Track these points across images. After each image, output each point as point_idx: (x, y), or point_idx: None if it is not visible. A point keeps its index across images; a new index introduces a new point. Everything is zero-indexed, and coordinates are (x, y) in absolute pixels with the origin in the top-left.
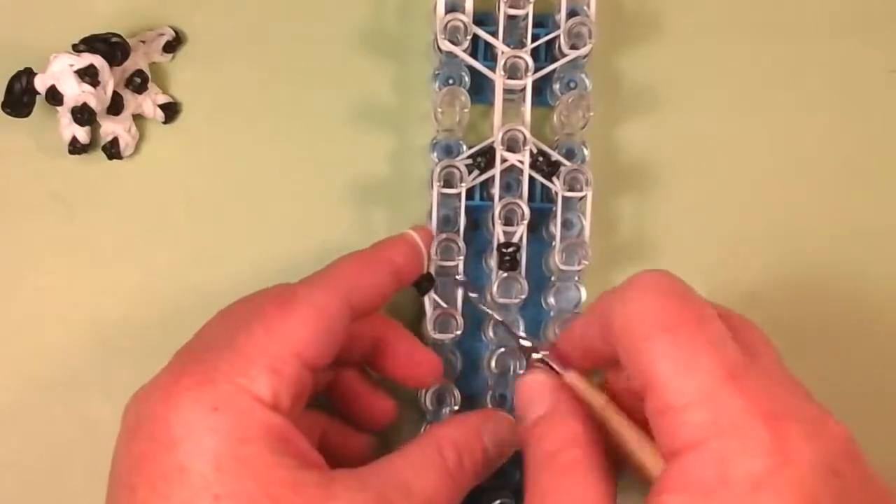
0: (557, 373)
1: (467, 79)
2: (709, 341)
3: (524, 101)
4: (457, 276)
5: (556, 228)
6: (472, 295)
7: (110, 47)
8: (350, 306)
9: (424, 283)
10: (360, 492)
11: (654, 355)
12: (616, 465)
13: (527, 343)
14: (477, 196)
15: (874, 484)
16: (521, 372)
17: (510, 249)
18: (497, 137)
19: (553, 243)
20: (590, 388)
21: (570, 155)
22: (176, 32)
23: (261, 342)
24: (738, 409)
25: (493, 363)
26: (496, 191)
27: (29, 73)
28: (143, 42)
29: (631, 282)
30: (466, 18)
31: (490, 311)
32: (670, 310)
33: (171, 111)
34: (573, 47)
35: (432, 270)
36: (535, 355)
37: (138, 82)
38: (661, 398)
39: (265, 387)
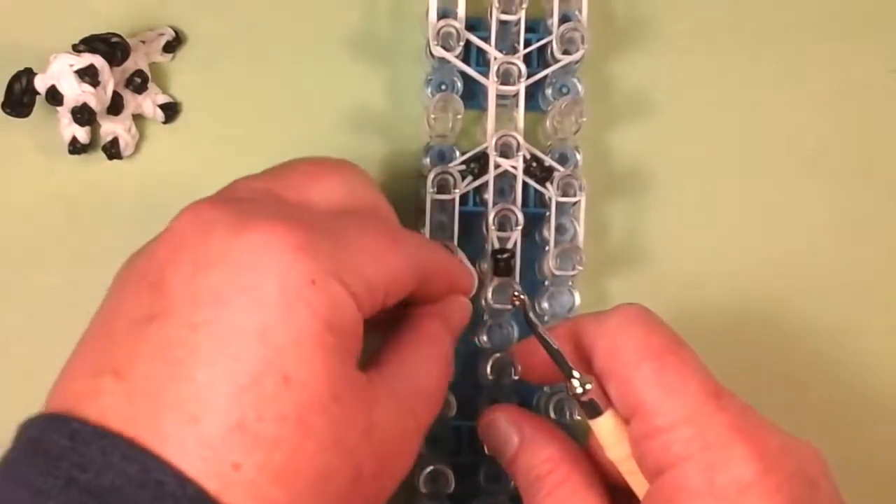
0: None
1: (460, 84)
2: (690, 367)
3: (517, 106)
4: (515, 293)
5: (550, 233)
6: (532, 318)
7: (110, 47)
8: (420, 284)
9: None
10: (391, 397)
11: (642, 382)
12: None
13: (576, 374)
14: (470, 202)
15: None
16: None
17: (504, 255)
18: (490, 143)
19: (547, 248)
20: (619, 431)
21: (563, 160)
22: (176, 32)
23: (369, 258)
24: (722, 425)
25: (488, 367)
26: (490, 196)
27: (29, 73)
28: (143, 42)
29: (613, 314)
30: (459, 24)
31: (547, 338)
32: (653, 340)
33: (171, 111)
34: (565, 53)
35: None
36: (581, 387)
37: (138, 82)
38: (648, 421)
39: (359, 290)
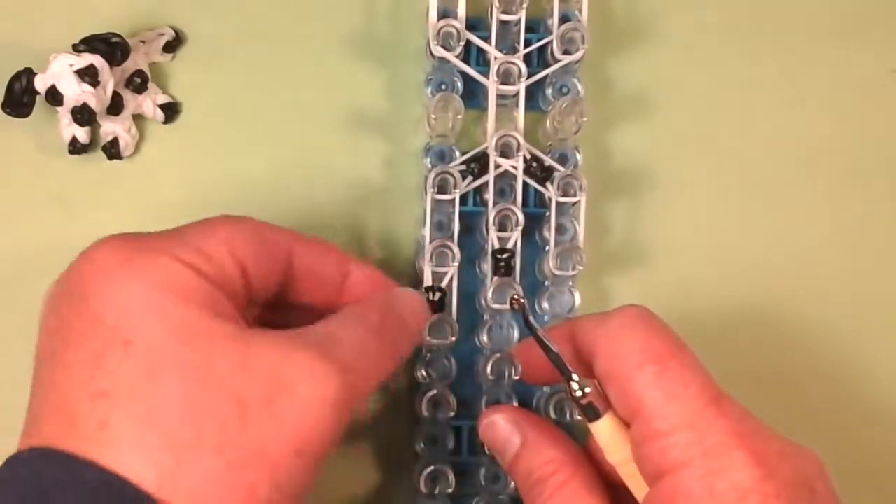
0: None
1: (460, 84)
2: (691, 371)
3: (517, 106)
4: (514, 296)
5: (550, 233)
6: (532, 320)
7: (110, 47)
8: (287, 257)
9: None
10: (285, 339)
11: (643, 385)
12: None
13: (575, 377)
14: (470, 202)
15: None
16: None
17: (504, 255)
18: (490, 143)
19: (547, 248)
20: (618, 434)
21: (563, 160)
22: (176, 32)
23: (199, 235)
24: (721, 430)
25: (488, 368)
26: (490, 196)
27: (29, 73)
28: (143, 42)
29: (614, 316)
30: (459, 24)
31: (546, 340)
32: (655, 343)
33: (171, 111)
34: (566, 52)
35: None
36: (580, 390)
37: (138, 82)
38: (649, 425)
39: (191, 256)
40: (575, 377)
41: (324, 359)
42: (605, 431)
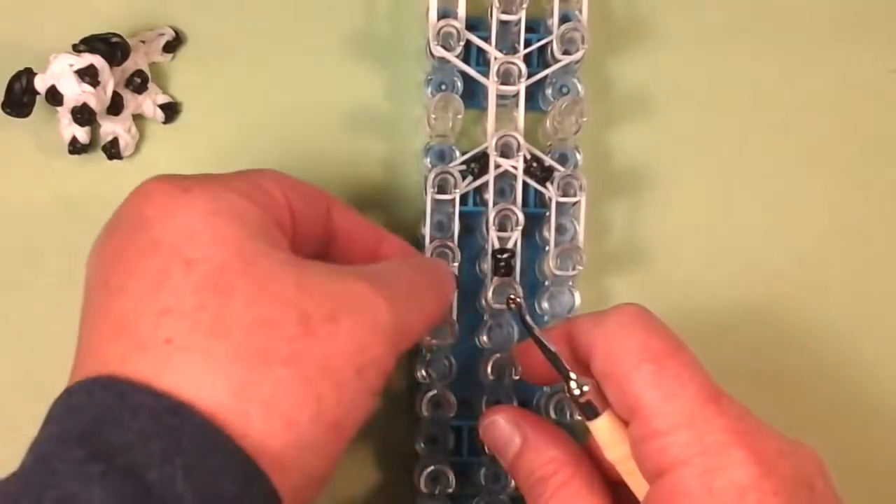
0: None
1: (460, 84)
2: (689, 369)
3: (517, 106)
4: (511, 296)
5: (550, 233)
6: (529, 320)
7: (110, 47)
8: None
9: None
10: (339, 270)
11: (641, 384)
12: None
13: (573, 376)
14: (471, 202)
15: None
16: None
17: (504, 255)
18: (490, 143)
19: (547, 248)
20: (617, 432)
21: (563, 160)
22: (176, 32)
23: (247, 173)
24: (720, 429)
25: (488, 368)
26: (490, 196)
27: (29, 73)
28: (143, 42)
29: (612, 315)
30: (459, 24)
31: (543, 340)
32: (653, 342)
33: (171, 111)
34: (566, 52)
35: None
36: (578, 389)
37: (138, 82)
38: (647, 424)
39: (247, 188)
40: (573, 376)
41: (378, 292)
42: (603, 429)
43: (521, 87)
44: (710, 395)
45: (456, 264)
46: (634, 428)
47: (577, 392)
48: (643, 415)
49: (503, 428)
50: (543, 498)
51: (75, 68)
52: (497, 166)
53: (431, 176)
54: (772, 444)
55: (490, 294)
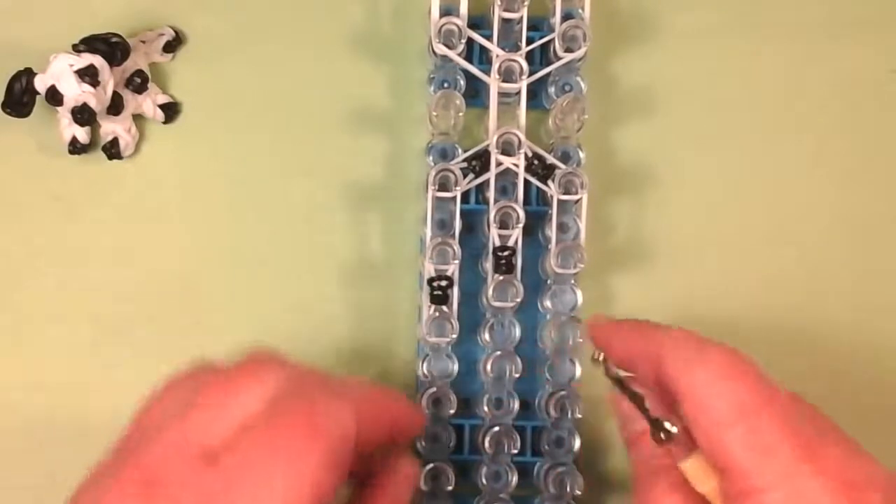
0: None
1: (462, 82)
2: (784, 424)
3: (519, 104)
4: (595, 355)
5: (552, 232)
6: (614, 370)
7: (110, 47)
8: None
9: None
10: None
11: (733, 442)
12: None
13: (665, 424)
14: (472, 199)
15: None
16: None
17: (506, 253)
18: (492, 141)
19: (549, 246)
20: (704, 475)
21: (565, 158)
22: (176, 32)
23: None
24: (818, 489)
25: (489, 367)
26: (491, 194)
27: (29, 73)
28: (143, 42)
29: (702, 365)
30: (461, 22)
31: (631, 388)
32: (745, 398)
33: (171, 111)
34: (568, 50)
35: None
36: (665, 435)
37: (138, 82)
38: (743, 481)
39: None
40: (665, 425)
41: None
42: (693, 468)
43: (523, 85)
44: (806, 450)
45: (456, 262)
46: (729, 483)
47: (663, 438)
48: (735, 472)
49: (629, 407)
50: (659, 489)
51: (75, 68)
52: (498, 164)
53: (433, 173)
54: (874, 497)
55: (491, 292)
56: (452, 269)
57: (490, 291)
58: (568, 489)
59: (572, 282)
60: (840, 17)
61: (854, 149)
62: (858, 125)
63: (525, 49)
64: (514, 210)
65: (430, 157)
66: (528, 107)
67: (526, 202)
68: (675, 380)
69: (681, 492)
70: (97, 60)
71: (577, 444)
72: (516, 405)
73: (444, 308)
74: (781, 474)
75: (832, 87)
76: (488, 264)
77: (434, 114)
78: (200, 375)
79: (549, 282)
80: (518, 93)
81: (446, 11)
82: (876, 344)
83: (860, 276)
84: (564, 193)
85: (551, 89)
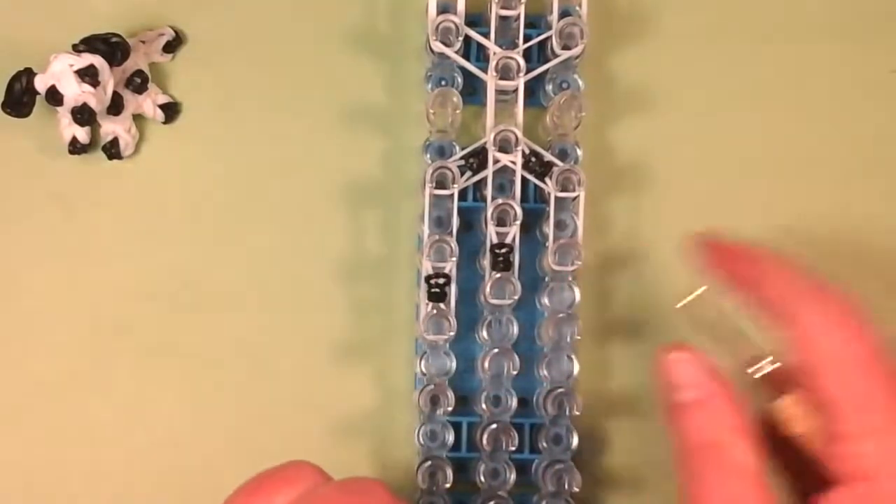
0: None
1: (459, 80)
2: (889, 381)
3: (516, 101)
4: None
5: (550, 229)
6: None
7: (110, 47)
8: None
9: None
10: None
11: (841, 385)
12: None
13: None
14: (470, 197)
15: None
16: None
17: (503, 250)
18: (489, 138)
19: (546, 244)
20: (804, 414)
21: (562, 155)
22: (176, 32)
23: None
24: None
25: (487, 364)
26: (489, 192)
27: (29, 73)
28: (143, 42)
29: (825, 300)
30: (458, 19)
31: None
32: (859, 345)
33: (171, 111)
34: (565, 48)
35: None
36: (770, 365)
37: (138, 82)
38: (837, 424)
39: None
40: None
41: None
42: (792, 406)
43: (520, 82)
44: None
45: (454, 260)
46: (826, 422)
47: (767, 369)
48: (837, 414)
49: (689, 368)
50: (710, 468)
51: (75, 68)
52: (496, 161)
53: (430, 171)
54: None
55: (489, 289)
56: (450, 266)
57: (488, 289)
58: (566, 486)
59: (570, 279)
60: (840, 17)
61: (854, 149)
62: (858, 125)
63: (522, 46)
64: (512, 207)
65: (428, 155)
66: (526, 104)
67: (523, 199)
68: (782, 305)
69: (749, 472)
70: (97, 60)
71: (575, 441)
72: (514, 402)
73: (442, 305)
74: (878, 428)
75: (832, 87)
76: (486, 261)
77: (431, 111)
78: None
79: (546, 279)
80: (515, 90)
81: (443, 9)
82: None
83: (859, 275)
84: (562, 191)
85: (549, 87)
